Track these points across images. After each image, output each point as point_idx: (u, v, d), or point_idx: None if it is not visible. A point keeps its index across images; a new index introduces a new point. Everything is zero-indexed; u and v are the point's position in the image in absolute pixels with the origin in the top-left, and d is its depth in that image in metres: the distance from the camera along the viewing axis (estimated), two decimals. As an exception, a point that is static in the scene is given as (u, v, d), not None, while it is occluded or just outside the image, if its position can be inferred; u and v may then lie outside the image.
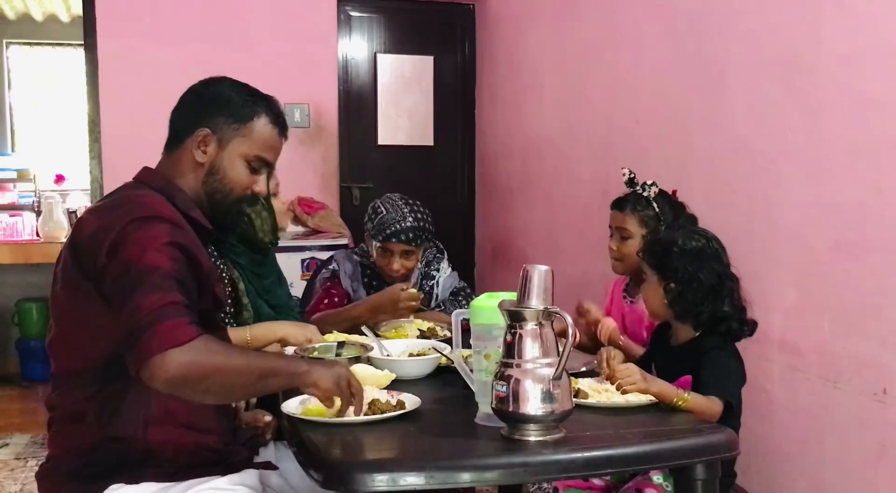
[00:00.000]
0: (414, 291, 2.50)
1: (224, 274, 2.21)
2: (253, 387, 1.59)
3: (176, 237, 1.54)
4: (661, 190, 2.39)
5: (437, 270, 2.81)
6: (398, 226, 2.61)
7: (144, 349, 1.40)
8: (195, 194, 1.72)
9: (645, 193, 2.35)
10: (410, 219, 2.63)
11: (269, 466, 1.83)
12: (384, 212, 2.65)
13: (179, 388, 1.44)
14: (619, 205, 2.41)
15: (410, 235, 2.61)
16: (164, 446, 1.60)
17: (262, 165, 1.77)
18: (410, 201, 2.70)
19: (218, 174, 1.72)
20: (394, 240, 2.61)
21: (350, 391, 1.59)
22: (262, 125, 1.74)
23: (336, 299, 2.67)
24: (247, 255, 2.30)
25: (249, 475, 1.71)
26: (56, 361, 1.64)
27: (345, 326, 2.41)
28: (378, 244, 2.65)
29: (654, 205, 2.34)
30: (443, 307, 2.76)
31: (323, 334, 2.30)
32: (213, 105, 1.72)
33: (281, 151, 1.83)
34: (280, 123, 1.79)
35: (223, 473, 1.65)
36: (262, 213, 2.28)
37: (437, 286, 2.80)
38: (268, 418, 1.98)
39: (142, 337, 1.40)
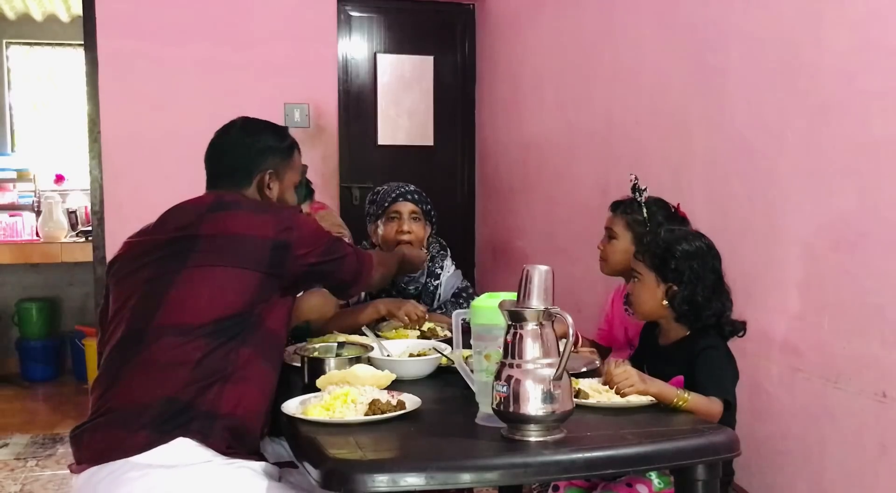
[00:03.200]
0: (423, 308, 2.50)
1: None
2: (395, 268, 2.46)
3: None
4: (659, 199, 2.39)
5: (441, 267, 2.80)
6: (403, 188, 2.73)
7: (366, 281, 2.15)
8: None
9: (639, 198, 2.35)
10: (412, 187, 2.77)
11: (290, 464, 1.87)
12: (385, 187, 2.78)
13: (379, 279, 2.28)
14: (613, 207, 2.44)
15: (416, 196, 2.72)
16: (232, 415, 1.72)
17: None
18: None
19: (284, 204, 2.07)
20: (401, 200, 2.69)
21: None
22: (296, 155, 2.12)
23: None
24: None
25: (273, 467, 1.80)
26: (171, 314, 1.78)
27: (347, 323, 2.41)
28: (383, 214, 2.70)
29: (644, 210, 2.34)
30: (444, 309, 2.74)
31: (325, 333, 2.31)
32: (268, 150, 2.05)
33: None
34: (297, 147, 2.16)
35: (258, 460, 1.76)
36: None
37: (441, 287, 2.79)
38: None
39: (362, 273, 2.10)
